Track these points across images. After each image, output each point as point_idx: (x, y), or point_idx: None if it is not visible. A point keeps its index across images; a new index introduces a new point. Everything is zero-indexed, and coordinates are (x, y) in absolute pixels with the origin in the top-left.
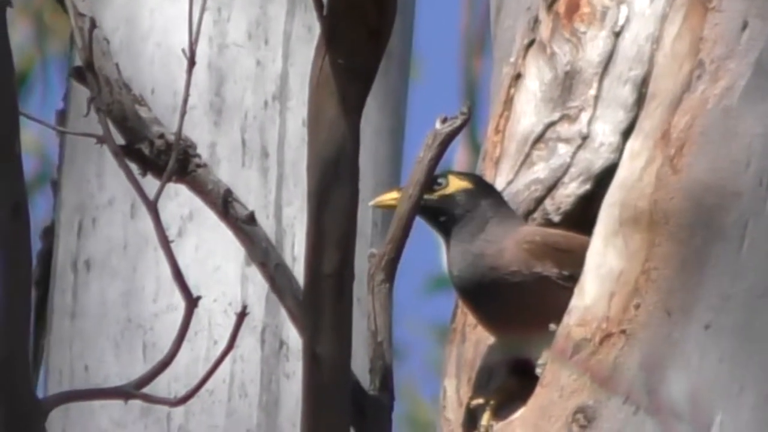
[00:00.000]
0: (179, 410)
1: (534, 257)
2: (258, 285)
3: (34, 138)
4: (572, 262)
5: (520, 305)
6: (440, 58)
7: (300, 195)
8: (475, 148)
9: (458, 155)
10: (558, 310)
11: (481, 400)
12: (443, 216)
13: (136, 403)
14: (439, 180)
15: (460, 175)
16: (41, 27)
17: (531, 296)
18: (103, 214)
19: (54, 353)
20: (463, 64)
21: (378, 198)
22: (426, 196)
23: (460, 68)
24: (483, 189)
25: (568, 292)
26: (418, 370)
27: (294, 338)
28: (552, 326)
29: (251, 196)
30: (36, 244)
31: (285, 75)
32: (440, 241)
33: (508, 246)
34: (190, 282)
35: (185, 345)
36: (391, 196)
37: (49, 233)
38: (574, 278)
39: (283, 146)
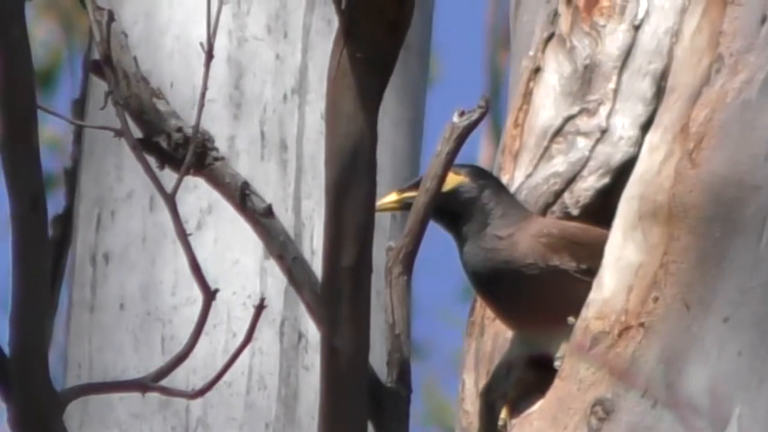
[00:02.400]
0: (198, 403)
1: (551, 251)
2: (277, 278)
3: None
4: (590, 255)
5: (537, 299)
6: (466, 51)
7: (319, 188)
8: (498, 141)
9: (482, 149)
10: (576, 304)
11: (503, 415)
12: (448, 215)
13: (154, 396)
14: None
15: (455, 168)
16: (67, 24)
17: (549, 290)
18: (122, 207)
19: (73, 346)
20: (488, 57)
21: (378, 201)
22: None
23: (485, 61)
24: (478, 180)
25: (586, 286)
26: (443, 367)
27: (313, 331)
28: (570, 319)
29: (270, 189)
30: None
31: (304, 68)
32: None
33: (522, 239)
34: (209, 275)
35: (204, 338)
36: (389, 200)
37: (61, 221)
38: (591, 271)
39: (302, 139)
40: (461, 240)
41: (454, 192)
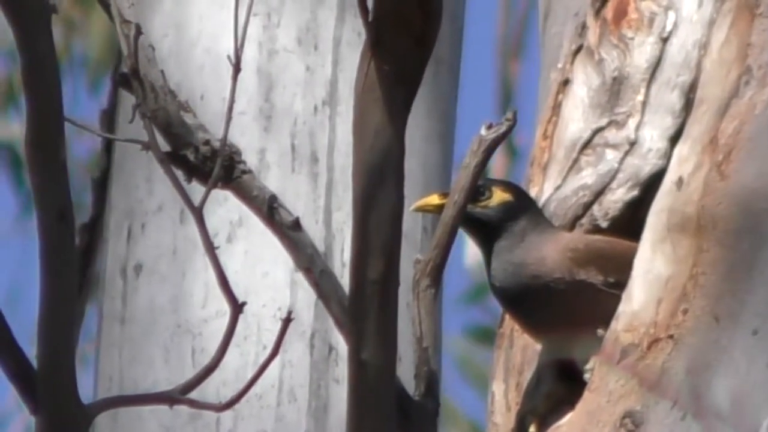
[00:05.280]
0: (228, 415)
1: (578, 265)
2: (307, 290)
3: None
4: (617, 268)
5: (565, 313)
6: (476, 61)
7: (349, 200)
8: (512, 153)
9: (495, 160)
10: (604, 317)
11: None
12: (485, 227)
13: (184, 409)
14: (483, 190)
15: (503, 186)
16: (69, 26)
17: (576, 304)
18: (153, 220)
19: (103, 359)
20: (500, 68)
21: (419, 202)
22: (469, 206)
23: (496, 72)
24: (524, 202)
25: (614, 299)
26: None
27: (343, 344)
28: (600, 332)
29: (301, 201)
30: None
31: (335, 80)
32: (479, 252)
33: (549, 254)
34: (239, 287)
35: (234, 350)
36: (432, 200)
37: (87, 230)
38: (619, 284)
39: (332, 152)
40: (490, 254)
41: (500, 208)
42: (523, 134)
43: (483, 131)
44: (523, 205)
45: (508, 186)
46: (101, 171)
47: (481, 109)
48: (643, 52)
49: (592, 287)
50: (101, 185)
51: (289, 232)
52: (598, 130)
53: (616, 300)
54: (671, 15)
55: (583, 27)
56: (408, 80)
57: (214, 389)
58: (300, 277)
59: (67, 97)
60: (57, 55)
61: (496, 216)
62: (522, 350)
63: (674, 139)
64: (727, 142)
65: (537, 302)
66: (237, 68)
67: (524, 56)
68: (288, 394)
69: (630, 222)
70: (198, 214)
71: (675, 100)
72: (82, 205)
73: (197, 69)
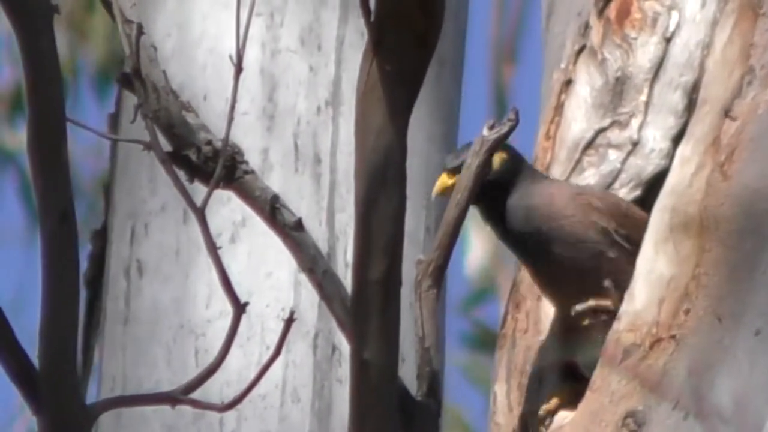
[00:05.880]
0: (231, 415)
1: (592, 208)
2: (311, 291)
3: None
4: (630, 224)
5: (576, 257)
6: (472, 63)
7: (352, 201)
8: None
9: None
10: (613, 268)
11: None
12: (496, 189)
13: (188, 409)
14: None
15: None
16: (74, 31)
17: (586, 247)
18: (156, 220)
19: (107, 359)
20: (493, 71)
21: (435, 188)
22: None
23: (489, 76)
24: (519, 157)
25: (623, 252)
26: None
27: (346, 344)
28: (606, 283)
29: (304, 202)
30: (85, 248)
31: (338, 81)
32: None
33: (560, 195)
34: (243, 288)
35: (238, 350)
36: (445, 182)
37: (99, 236)
38: (629, 239)
39: (335, 152)
40: (503, 215)
41: (502, 167)
42: (516, 137)
43: (485, 131)
44: (519, 160)
45: (501, 148)
46: (109, 176)
47: (480, 110)
48: (646, 52)
49: (603, 230)
50: (108, 189)
51: (292, 232)
52: (601, 131)
53: (625, 254)
54: (674, 15)
55: (586, 27)
56: (410, 80)
57: (217, 389)
58: (303, 277)
59: (72, 102)
60: (59, 56)
61: (501, 175)
62: (524, 351)
63: (677, 139)
64: (729, 142)
65: (550, 241)
66: (239, 68)
67: (518, 60)
68: (291, 395)
69: None
70: (200, 214)
71: (678, 100)
72: (95, 212)
73: (200, 69)
